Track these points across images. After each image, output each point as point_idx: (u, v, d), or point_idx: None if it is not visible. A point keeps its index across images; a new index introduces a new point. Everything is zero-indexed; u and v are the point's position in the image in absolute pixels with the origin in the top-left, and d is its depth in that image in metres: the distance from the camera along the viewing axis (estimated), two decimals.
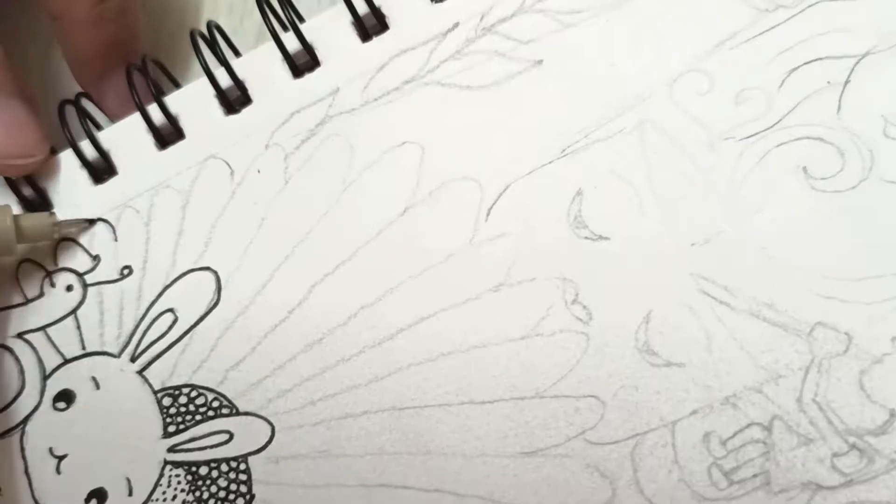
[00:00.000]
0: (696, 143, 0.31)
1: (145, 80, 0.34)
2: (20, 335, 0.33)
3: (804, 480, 0.27)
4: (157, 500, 0.31)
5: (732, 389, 0.28)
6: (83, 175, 0.34)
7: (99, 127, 0.35)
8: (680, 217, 0.30)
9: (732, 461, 0.28)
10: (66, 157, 0.34)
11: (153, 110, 0.34)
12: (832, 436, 0.28)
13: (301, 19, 0.35)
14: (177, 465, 0.31)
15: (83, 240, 0.34)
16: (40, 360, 0.33)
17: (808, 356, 0.28)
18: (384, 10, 0.34)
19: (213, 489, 0.31)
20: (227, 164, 0.33)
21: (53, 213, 0.33)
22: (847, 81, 0.30)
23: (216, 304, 0.32)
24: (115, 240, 0.33)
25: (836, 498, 0.27)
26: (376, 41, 0.34)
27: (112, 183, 0.34)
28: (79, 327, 0.33)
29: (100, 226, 0.34)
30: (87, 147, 0.34)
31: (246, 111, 0.34)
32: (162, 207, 0.33)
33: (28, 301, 0.33)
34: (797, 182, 0.30)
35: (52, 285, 0.33)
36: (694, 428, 0.28)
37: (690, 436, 0.28)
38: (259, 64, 0.34)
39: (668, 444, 0.28)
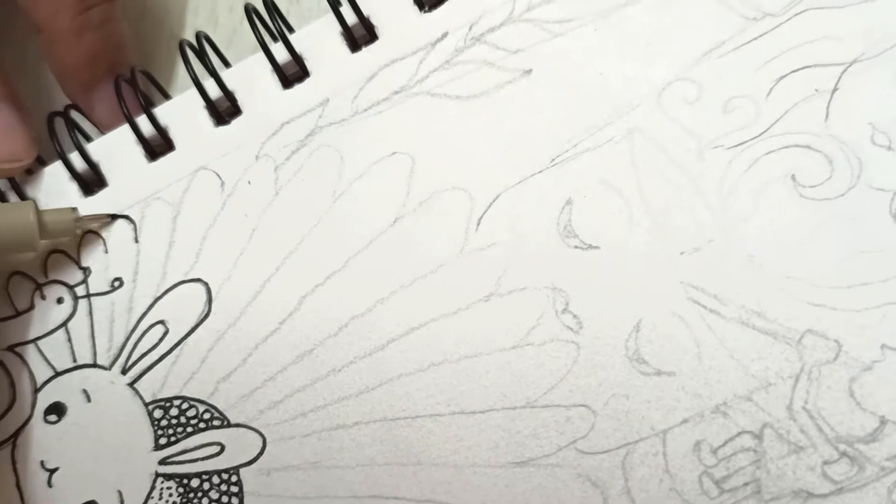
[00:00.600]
0: (684, 152, 0.31)
1: (134, 92, 0.34)
2: (11, 348, 0.33)
3: (795, 488, 0.27)
4: None
5: (723, 398, 0.29)
6: (73, 187, 0.34)
7: (88, 138, 0.35)
8: (669, 226, 0.30)
9: (723, 470, 0.28)
10: (56, 169, 0.34)
11: (142, 122, 0.34)
12: (822, 444, 0.28)
13: (290, 30, 0.35)
14: (168, 477, 0.31)
15: (72, 251, 0.33)
16: (31, 373, 0.33)
17: (798, 364, 0.28)
18: (373, 21, 0.34)
19: (205, 501, 0.31)
20: (218, 175, 0.33)
21: (76, 209, 0.33)
22: (835, 89, 0.30)
23: (207, 315, 0.32)
24: (106, 252, 0.33)
25: None
26: (365, 51, 0.34)
27: (102, 195, 0.34)
28: (70, 340, 0.33)
29: (90, 237, 0.33)
30: (76, 159, 0.34)
31: (236, 122, 0.34)
32: (152, 219, 0.33)
33: (18, 313, 0.33)
34: (786, 190, 0.30)
35: (43, 297, 0.33)
36: (685, 437, 0.28)
37: (681, 444, 0.28)
38: (248, 75, 0.34)
39: (658, 453, 0.29)
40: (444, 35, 0.33)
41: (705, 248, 0.30)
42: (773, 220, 0.30)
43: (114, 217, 0.33)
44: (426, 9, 0.33)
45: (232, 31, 0.37)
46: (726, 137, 0.31)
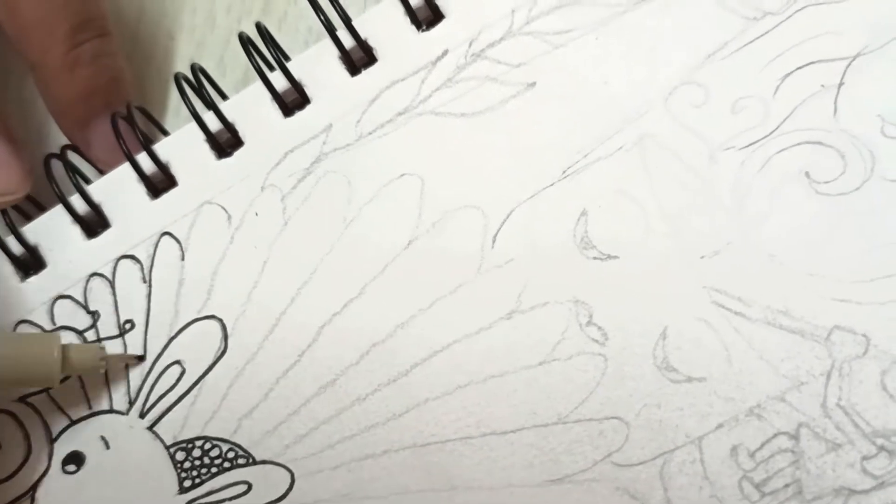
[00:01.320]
0: (696, 156, 0.31)
1: (132, 128, 0.33)
2: (22, 399, 0.32)
3: (836, 486, 0.27)
4: None
5: (756, 400, 0.28)
6: (76, 230, 0.33)
7: (86, 178, 0.34)
8: (687, 230, 0.30)
9: (762, 472, 0.28)
10: (57, 213, 0.33)
11: (143, 159, 0.33)
12: (860, 439, 0.27)
13: (286, 58, 0.34)
14: None
15: (79, 295, 0.33)
16: (45, 424, 0.32)
17: (829, 361, 0.28)
18: (371, 43, 0.33)
19: None
20: (224, 208, 0.33)
21: (103, 348, 0.32)
22: (841, 83, 0.30)
23: (224, 352, 0.31)
24: (114, 294, 0.33)
25: (869, 501, 0.27)
26: (365, 74, 0.33)
27: (106, 236, 0.33)
28: (83, 386, 0.32)
29: (96, 280, 0.33)
30: (77, 201, 0.33)
31: (238, 154, 0.33)
32: (159, 257, 0.33)
33: None
34: (801, 187, 0.30)
35: None
36: (721, 442, 0.28)
37: (718, 450, 0.28)
38: (248, 105, 0.34)
39: (696, 461, 0.28)
40: (445, 53, 0.33)
41: (725, 251, 0.30)
42: (790, 218, 0.30)
43: (140, 358, 0.32)
44: (424, 28, 0.33)
45: (230, 31, 0.36)
46: (737, 138, 0.30)
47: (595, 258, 0.30)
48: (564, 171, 0.31)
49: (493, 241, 0.31)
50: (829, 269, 0.29)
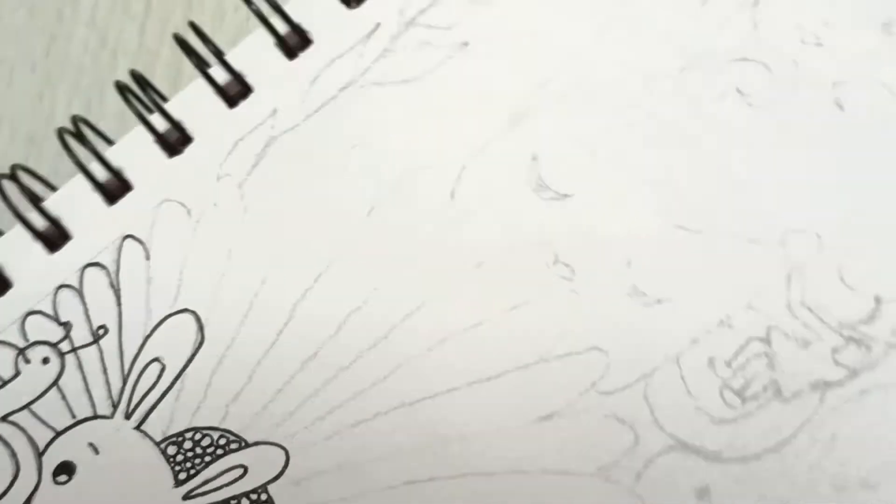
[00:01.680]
0: (630, 88, 0.32)
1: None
2: (4, 418, 0.32)
3: (812, 381, 0.28)
4: None
5: (724, 312, 0.29)
6: (37, 246, 0.33)
7: (39, 198, 0.34)
8: (636, 160, 0.31)
9: (741, 379, 0.29)
10: (16, 233, 0.33)
11: (95, 168, 0.33)
12: (827, 333, 0.28)
13: (220, 52, 0.35)
14: None
15: (49, 309, 0.33)
16: (31, 439, 0.32)
17: (787, 263, 0.29)
18: (304, 26, 0.34)
19: None
20: (182, 204, 0.33)
21: None
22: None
23: (201, 343, 0.32)
24: (83, 303, 0.33)
25: (846, 391, 0.28)
26: (303, 57, 0.34)
27: (68, 248, 0.33)
28: (64, 397, 0.32)
29: (64, 292, 0.33)
30: (35, 218, 0.33)
31: (189, 150, 0.34)
32: (125, 260, 0.33)
33: (5, 383, 0.32)
34: (734, 103, 0.31)
35: (27, 361, 0.32)
36: (697, 356, 0.29)
37: (696, 364, 0.29)
38: (191, 102, 0.34)
39: (676, 377, 0.29)
40: (377, 26, 0.33)
41: (674, 176, 0.31)
42: (729, 135, 0.31)
43: None
44: (354, 4, 0.34)
45: (238, 29, 0.37)
46: (667, 64, 0.31)
47: (551, 198, 0.31)
48: (510, 121, 0.32)
49: (452, 197, 0.32)
50: (771, 176, 0.30)
